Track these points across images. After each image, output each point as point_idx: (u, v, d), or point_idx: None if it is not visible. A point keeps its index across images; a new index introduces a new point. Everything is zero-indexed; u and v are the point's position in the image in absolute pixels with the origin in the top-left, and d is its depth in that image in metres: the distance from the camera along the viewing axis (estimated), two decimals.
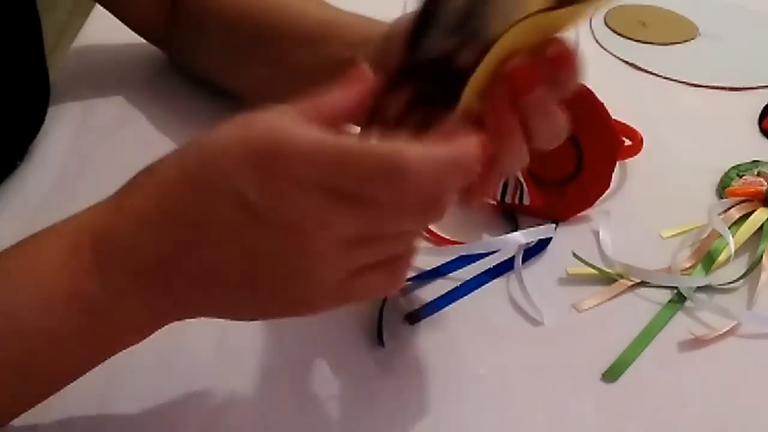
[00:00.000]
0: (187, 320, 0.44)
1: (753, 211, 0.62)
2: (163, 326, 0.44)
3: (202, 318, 0.44)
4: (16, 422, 0.47)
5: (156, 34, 0.74)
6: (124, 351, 0.44)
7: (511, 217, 0.63)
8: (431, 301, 0.56)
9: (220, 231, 0.39)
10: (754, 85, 0.79)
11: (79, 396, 0.48)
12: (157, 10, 0.72)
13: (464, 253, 0.59)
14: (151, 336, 0.44)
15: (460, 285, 0.57)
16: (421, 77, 0.43)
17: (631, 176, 0.67)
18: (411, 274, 0.57)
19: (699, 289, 0.58)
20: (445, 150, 0.38)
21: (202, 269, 0.40)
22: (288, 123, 0.39)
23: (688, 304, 0.57)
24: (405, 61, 0.44)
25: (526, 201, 0.61)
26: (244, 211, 0.38)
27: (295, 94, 0.52)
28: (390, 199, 0.38)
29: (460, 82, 0.42)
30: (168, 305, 0.42)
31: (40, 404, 0.47)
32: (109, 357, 0.44)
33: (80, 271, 0.41)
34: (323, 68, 0.59)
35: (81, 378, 0.47)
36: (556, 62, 0.44)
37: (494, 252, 0.59)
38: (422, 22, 0.44)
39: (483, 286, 0.58)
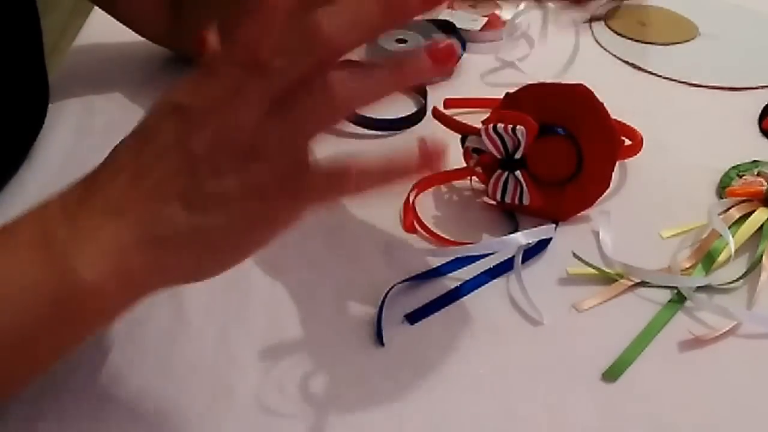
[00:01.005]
0: (187, 320, 0.44)
1: (753, 211, 0.62)
2: (133, 292, 0.43)
3: (201, 316, 0.43)
4: (16, 422, 0.47)
5: (158, 32, 0.74)
6: (123, 351, 0.44)
7: (511, 217, 0.63)
8: (431, 301, 0.56)
9: (161, 139, 0.42)
10: (754, 85, 0.79)
11: (79, 396, 0.48)
12: (155, 8, 0.71)
13: (464, 255, 0.59)
14: (150, 336, 0.44)
15: (460, 285, 0.57)
16: None
17: (631, 176, 0.67)
18: (409, 274, 0.57)
19: (699, 289, 0.58)
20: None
21: (153, 184, 0.41)
22: None
23: (688, 304, 0.57)
24: None
25: (526, 201, 0.61)
26: (179, 113, 0.42)
27: None
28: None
29: None
30: (137, 246, 0.41)
31: (39, 404, 0.47)
32: (81, 325, 0.43)
33: (48, 217, 0.43)
34: None
35: (80, 378, 0.47)
36: None
37: (494, 253, 0.59)
38: None
39: (483, 286, 0.58)
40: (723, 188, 0.66)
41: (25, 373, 0.44)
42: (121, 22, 0.73)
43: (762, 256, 0.59)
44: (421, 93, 0.75)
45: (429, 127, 0.69)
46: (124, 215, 0.41)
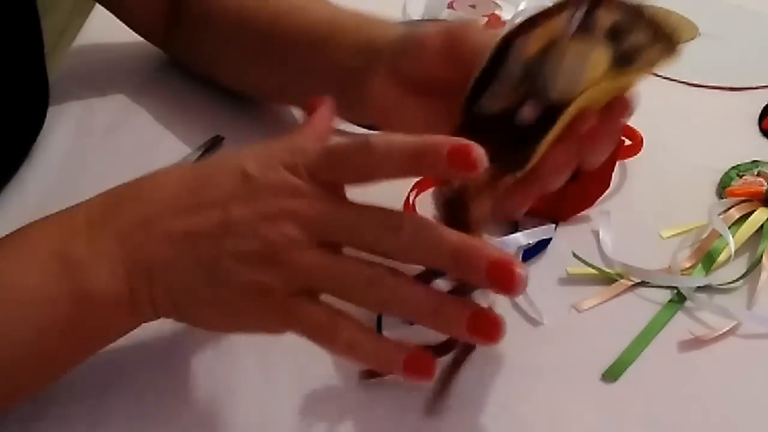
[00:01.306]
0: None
1: (753, 211, 0.62)
2: (139, 306, 0.44)
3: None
4: (16, 422, 0.47)
5: (155, 33, 0.74)
6: (123, 351, 0.44)
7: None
8: None
9: (212, 190, 0.42)
10: (754, 85, 0.79)
11: (79, 396, 0.48)
12: (156, 9, 0.72)
13: None
14: (151, 336, 0.44)
15: None
16: (482, 133, 0.43)
17: (631, 176, 0.67)
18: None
19: (699, 289, 0.58)
20: (407, 137, 0.41)
21: (180, 232, 0.42)
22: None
23: (688, 304, 0.57)
24: (465, 117, 0.45)
25: None
26: (240, 180, 0.42)
27: (302, 96, 0.53)
28: (353, 176, 0.42)
29: (527, 139, 0.44)
30: (143, 274, 0.43)
31: (39, 404, 0.47)
32: (93, 341, 0.45)
33: (70, 232, 0.44)
34: (330, 73, 0.59)
35: (80, 378, 0.47)
36: (620, 115, 0.48)
37: None
38: (483, 78, 0.45)
39: None
40: (723, 188, 0.66)
41: (30, 384, 0.45)
42: (116, 16, 0.73)
43: (762, 256, 0.59)
44: None
45: None
46: (142, 251, 0.43)
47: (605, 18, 0.46)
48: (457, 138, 0.40)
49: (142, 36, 0.75)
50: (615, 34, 0.46)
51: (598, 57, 0.45)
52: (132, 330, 0.46)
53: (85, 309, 0.43)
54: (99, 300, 0.43)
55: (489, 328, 0.41)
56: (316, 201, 0.41)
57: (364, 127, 0.62)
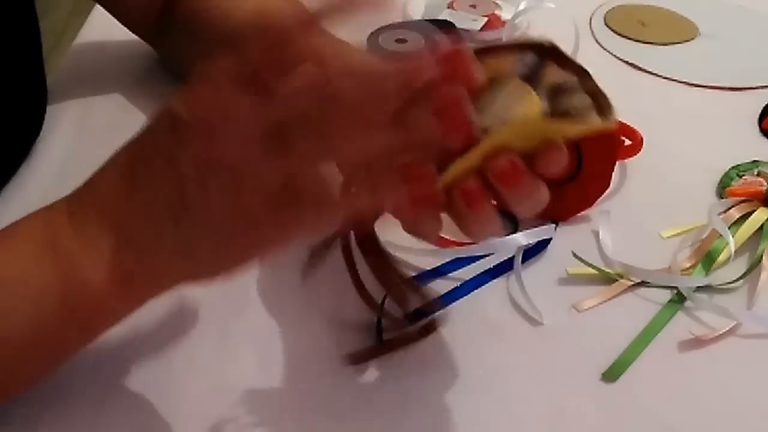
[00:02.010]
0: (187, 319, 0.44)
1: (753, 211, 0.62)
2: (132, 282, 0.43)
3: (202, 317, 0.44)
4: (16, 422, 0.47)
5: (147, 31, 0.74)
6: (123, 351, 0.44)
7: (511, 217, 0.63)
8: (431, 302, 0.56)
9: (160, 158, 0.41)
10: (754, 85, 0.79)
11: (79, 396, 0.48)
12: (148, 7, 0.71)
13: (464, 255, 0.59)
14: (151, 336, 0.44)
15: (460, 285, 0.57)
16: None
17: (631, 176, 0.67)
18: (411, 273, 0.57)
19: (699, 289, 0.58)
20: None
21: (150, 205, 0.41)
22: None
23: (688, 304, 0.57)
24: None
25: None
26: (174, 132, 0.40)
27: None
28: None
29: (444, 158, 0.43)
30: (132, 255, 0.42)
31: (39, 404, 0.47)
32: (87, 328, 0.45)
33: (55, 222, 0.43)
34: None
35: (80, 378, 0.47)
36: (543, 167, 0.45)
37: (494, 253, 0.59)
38: None
39: (483, 286, 0.58)
40: (723, 188, 0.66)
41: (29, 374, 0.45)
42: (112, 15, 0.73)
43: (762, 256, 0.59)
44: None
45: None
46: (121, 227, 0.42)
47: (551, 75, 0.46)
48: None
49: (137, 36, 0.75)
50: (555, 93, 0.46)
51: (533, 102, 0.44)
52: (131, 313, 0.45)
53: (79, 296, 0.43)
54: (93, 286, 0.43)
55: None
56: (243, 104, 0.39)
57: None
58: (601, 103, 0.46)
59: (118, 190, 0.43)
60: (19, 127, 0.65)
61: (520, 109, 0.45)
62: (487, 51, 0.46)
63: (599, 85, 0.46)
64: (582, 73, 0.47)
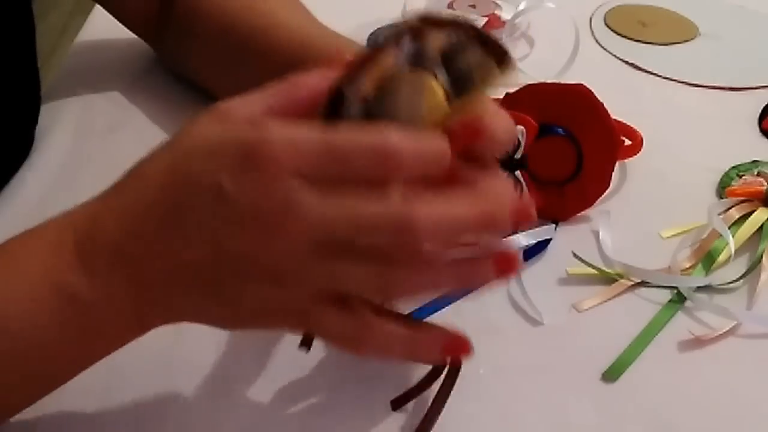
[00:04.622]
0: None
1: (753, 211, 0.62)
2: (150, 327, 0.44)
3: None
4: (16, 422, 0.47)
5: (146, 30, 0.74)
6: (124, 351, 0.44)
7: None
8: (431, 301, 0.56)
9: (195, 225, 0.39)
10: (754, 85, 0.79)
11: (79, 396, 0.48)
12: (145, 5, 0.71)
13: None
14: (150, 336, 0.44)
15: None
16: None
17: (631, 176, 0.67)
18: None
19: (699, 289, 0.58)
20: (429, 137, 0.39)
21: (176, 266, 0.40)
22: (267, 118, 0.39)
23: (688, 304, 0.57)
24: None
25: None
26: (221, 205, 0.38)
27: None
28: (370, 178, 0.37)
29: None
30: (148, 302, 0.42)
31: (38, 403, 0.47)
32: (100, 357, 0.44)
33: (64, 266, 0.41)
34: None
35: (80, 378, 0.47)
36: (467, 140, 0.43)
37: None
38: (334, 99, 0.43)
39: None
40: (723, 188, 0.66)
41: (33, 395, 0.45)
42: (110, 12, 0.73)
43: (762, 256, 0.59)
44: None
45: None
46: (141, 284, 0.41)
47: (435, 41, 0.45)
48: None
49: (135, 33, 0.75)
50: (448, 56, 0.45)
51: (434, 86, 0.43)
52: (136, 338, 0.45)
53: (91, 338, 0.43)
54: (109, 332, 0.43)
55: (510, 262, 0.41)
56: (305, 206, 0.37)
57: None
58: (492, 47, 0.44)
59: (145, 244, 0.40)
60: (12, 126, 0.65)
61: (424, 107, 0.43)
62: (365, 61, 0.44)
63: (482, 30, 0.45)
64: (461, 25, 0.45)
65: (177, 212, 0.39)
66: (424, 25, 0.45)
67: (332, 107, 0.42)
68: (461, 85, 0.44)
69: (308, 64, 0.51)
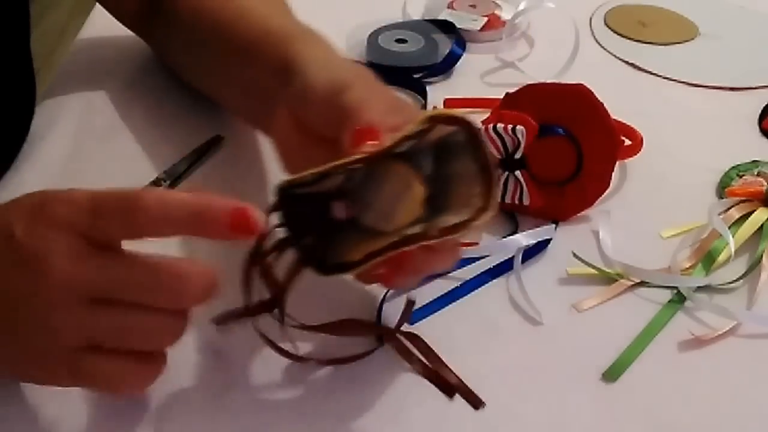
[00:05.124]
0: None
1: (753, 211, 0.62)
2: None
3: (201, 315, 0.44)
4: (16, 422, 0.47)
5: (139, 24, 0.74)
6: None
7: (511, 218, 0.63)
8: (431, 301, 0.56)
9: None
10: (754, 85, 0.79)
11: (79, 396, 0.48)
12: (139, 1, 0.71)
13: (464, 255, 0.59)
14: None
15: (460, 285, 0.57)
16: (295, 220, 0.45)
17: (631, 176, 0.67)
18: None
19: (699, 289, 0.58)
20: (183, 195, 0.42)
21: None
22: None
23: (688, 304, 0.57)
24: (280, 194, 0.45)
25: (526, 201, 0.61)
26: (9, 248, 0.41)
27: (236, 107, 0.55)
28: (125, 234, 0.41)
29: (339, 238, 0.44)
30: None
31: (37, 403, 0.47)
32: None
33: None
34: (250, 88, 0.59)
35: None
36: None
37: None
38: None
39: (483, 286, 0.58)
40: (723, 188, 0.66)
41: None
42: (104, 8, 0.73)
43: (762, 256, 0.59)
44: (420, 93, 0.74)
45: None
46: None
47: (437, 132, 0.45)
48: (235, 202, 0.41)
49: (130, 29, 0.75)
50: (441, 153, 0.45)
51: (416, 193, 0.44)
52: None
53: None
54: None
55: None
56: (77, 262, 0.41)
57: None
58: (484, 163, 0.45)
59: None
60: (6, 124, 0.65)
61: (400, 206, 0.44)
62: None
63: (486, 145, 0.46)
64: (466, 125, 0.46)
65: None
66: (441, 120, 0.46)
67: (322, 174, 0.44)
68: (441, 185, 0.45)
69: (257, 62, 0.54)
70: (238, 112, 0.58)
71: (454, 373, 0.50)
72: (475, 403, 0.48)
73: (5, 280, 0.42)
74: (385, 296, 0.55)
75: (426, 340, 0.52)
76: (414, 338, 0.52)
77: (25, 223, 0.42)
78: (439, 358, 0.51)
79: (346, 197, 0.44)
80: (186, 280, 0.42)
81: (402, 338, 0.52)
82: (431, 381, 0.50)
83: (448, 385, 0.49)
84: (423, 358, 0.51)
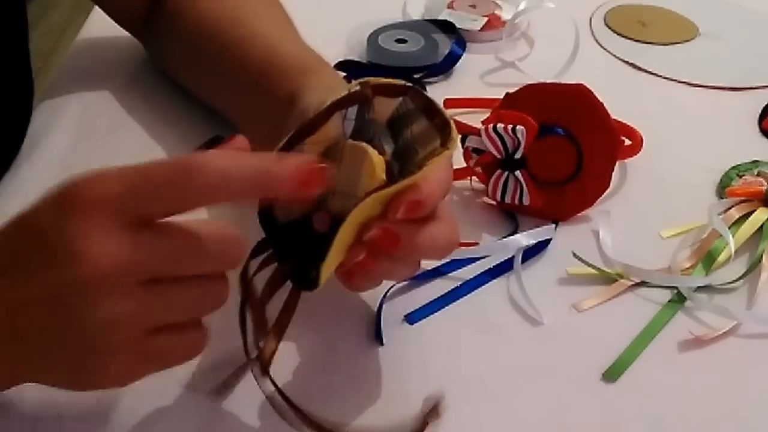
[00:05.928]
0: None
1: (753, 211, 0.62)
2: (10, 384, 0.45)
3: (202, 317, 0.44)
4: (16, 422, 0.47)
5: (137, 29, 0.74)
6: None
7: (511, 217, 0.63)
8: (431, 301, 0.56)
9: (21, 268, 0.39)
10: (754, 85, 0.79)
11: (79, 396, 0.48)
12: (137, 4, 0.71)
13: (464, 257, 0.59)
14: None
15: (460, 285, 0.57)
16: (282, 240, 0.45)
17: (631, 176, 0.67)
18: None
19: (699, 289, 0.58)
20: (242, 160, 0.40)
21: (7, 310, 0.40)
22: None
23: (688, 304, 0.57)
24: (265, 229, 0.45)
25: (526, 201, 0.61)
26: (41, 244, 0.39)
27: (246, 128, 0.54)
28: (178, 207, 0.39)
29: (320, 245, 0.44)
30: None
31: (37, 403, 0.47)
32: None
33: None
34: (256, 111, 0.60)
35: None
36: (407, 215, 0.45)
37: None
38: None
39: (483, 286, 0.58)
40: (723, 188, 0.66)
41: None
42: (103, 11, 0.73)
43: (762, 256, 0.59)
44: None
45: None
46: None
47: (385, 109, 0.46)
48: (293, 158, 0.41)
49: (127, 30, 0.75)
50: (395, 126, 0.46)
51: (372, 163, 0.44)
52: None
53: None
54: None
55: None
56: (119, 246, 0.38)
57: None
58: (436, 117, 0.46)
59: None
60: (4, 125, 0.65)
61: (362, 178, 0.44)
62: (309, 127, 0.45)
63: (430, 97, 0.46)
64: (408, 91, 0.46)
65: (11, 255, 0.40)
66: (374, 92, 0.46)
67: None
68: (405, 155, 0.45)
69: (265, 92, 0.52)
70: (244, 132, 0.58)
71: None
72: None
73: (43, 285, 0.39)
74: (385, 296, 0.55)
75: (426, 341, 0.52)
76: None
77: (55, 212, 0.39)
78: None
79: (325, 207, 0.45)
80: (227, 243, 0.41)
81: None
82: None
83: None
84: None
